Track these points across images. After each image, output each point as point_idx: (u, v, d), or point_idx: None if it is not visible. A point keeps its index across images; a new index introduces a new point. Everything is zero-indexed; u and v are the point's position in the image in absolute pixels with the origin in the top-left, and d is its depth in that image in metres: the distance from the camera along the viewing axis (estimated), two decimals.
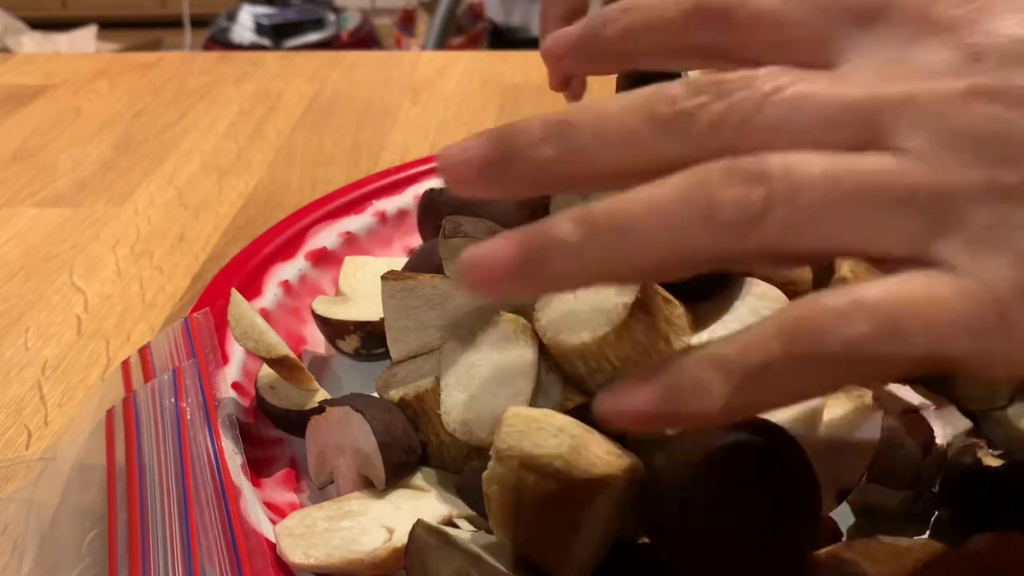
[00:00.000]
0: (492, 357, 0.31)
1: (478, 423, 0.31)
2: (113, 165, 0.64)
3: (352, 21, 2.47)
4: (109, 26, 2.44)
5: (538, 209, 0.38)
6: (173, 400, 0.33)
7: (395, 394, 0.33)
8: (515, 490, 0.25)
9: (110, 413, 0.34)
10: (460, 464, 0.32)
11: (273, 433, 0.36)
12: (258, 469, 0.34)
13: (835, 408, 0.30)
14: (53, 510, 0.33)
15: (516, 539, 0.26)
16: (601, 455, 0.25)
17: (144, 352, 0.36)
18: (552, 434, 0.25)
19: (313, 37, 2.36)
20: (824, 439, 0.29)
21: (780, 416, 0.28)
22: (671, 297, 0.31)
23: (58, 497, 0.33)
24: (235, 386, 0.36)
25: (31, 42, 2.22)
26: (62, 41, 2.26)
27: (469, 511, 0.30)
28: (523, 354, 0.31)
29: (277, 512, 0.32)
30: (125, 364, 0.36)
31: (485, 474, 0.26)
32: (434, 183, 0.47)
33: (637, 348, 0.29)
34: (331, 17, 2.40)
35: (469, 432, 0.31)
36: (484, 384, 0.31)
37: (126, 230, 0.55)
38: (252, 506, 0.30)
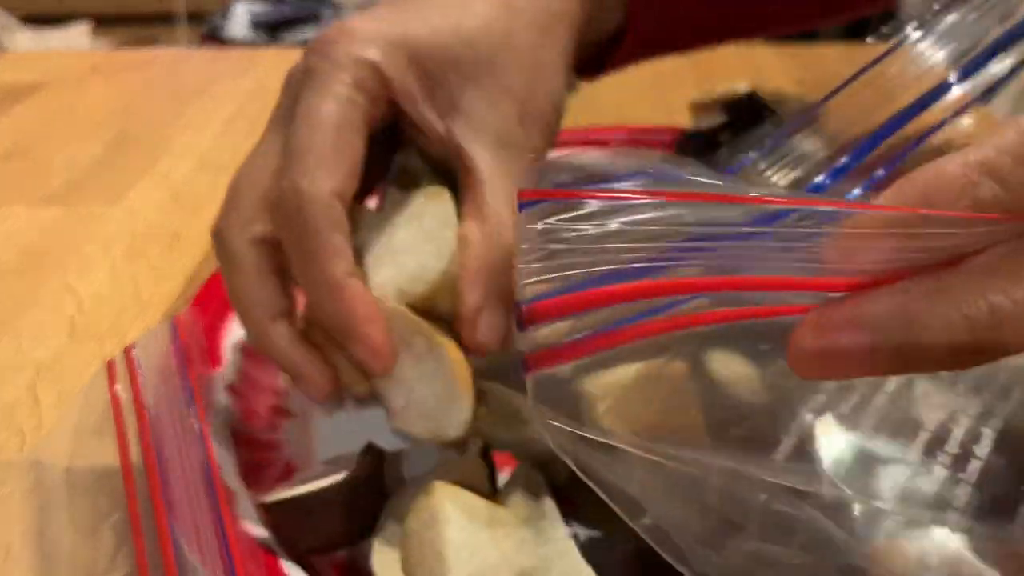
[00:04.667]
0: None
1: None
2: (108, 163, 0.64)
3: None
4: (103, 22, 2.43)
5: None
6: (164, 401, 0.33)
7: None
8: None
9: (118, 414, 0.33)
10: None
11: (269, 436, 0.36)
12: (254, 472, 0.33)
13: None
14: (45, 511, 0.33)
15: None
16: None
17: (128, 352, 0.35)
18: None
19: (309, 33, 2.35)
20: None
21: None
22: None
23: (49, 499, 0.33)
24: (230, 388, 0.36)
25: (24, 38, 2.21)
26: (56, 37, 2.25)
27: None
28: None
29: None
30: (110, 364, 0.36)
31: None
32: None
33: None
34: (327, 13, 2.40)
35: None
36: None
37: (121, 229, 0.55)
38: (246, 509, 0.30)
